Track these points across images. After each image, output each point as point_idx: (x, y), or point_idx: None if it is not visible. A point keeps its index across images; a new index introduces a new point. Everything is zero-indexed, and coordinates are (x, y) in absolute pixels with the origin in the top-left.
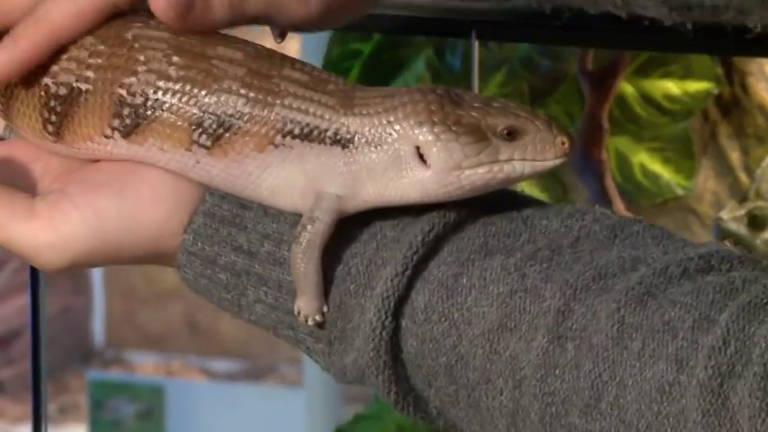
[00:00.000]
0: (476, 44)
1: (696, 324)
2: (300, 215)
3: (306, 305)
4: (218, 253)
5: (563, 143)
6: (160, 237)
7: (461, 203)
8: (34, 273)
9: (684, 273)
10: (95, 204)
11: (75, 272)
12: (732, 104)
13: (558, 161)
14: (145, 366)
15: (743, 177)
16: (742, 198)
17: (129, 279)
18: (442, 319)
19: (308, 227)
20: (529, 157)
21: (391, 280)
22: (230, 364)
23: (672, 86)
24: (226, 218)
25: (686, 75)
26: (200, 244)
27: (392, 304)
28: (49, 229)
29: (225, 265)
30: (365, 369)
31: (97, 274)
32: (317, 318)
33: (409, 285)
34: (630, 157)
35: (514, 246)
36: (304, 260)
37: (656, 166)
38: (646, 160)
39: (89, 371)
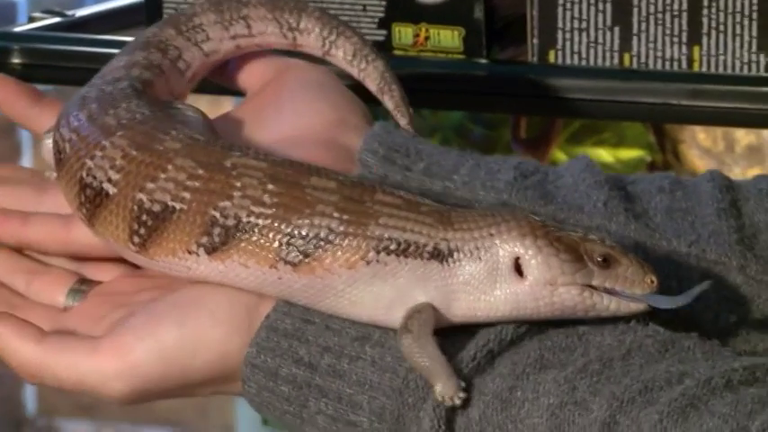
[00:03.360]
0: None
1: None
2: (372, 328)
3: (444, 388)
4: (280, 365)
5: (651, 281)
6: (224, 357)
7: (521, 323)
8: None
9: (728, 384)
10: (157, 334)
11: (147, 400)
12: (664, 171)
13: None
14: None
15: None
16: None
17: None
18: (497, 431)
19: (416, 315)
20: (618, 288)
21: None
22: None
23: (605, 154)
24: (288, 331)
25: (619, 142)
26: (262, 356)
27: (443, 412)
28: (114, 360)
29: (286, 377)
30: None
31: None
32: (461, 395)
33: (465, 398)
34: None
35: (568, 360)
36: (420, 346)
37: None
38: None
39: None
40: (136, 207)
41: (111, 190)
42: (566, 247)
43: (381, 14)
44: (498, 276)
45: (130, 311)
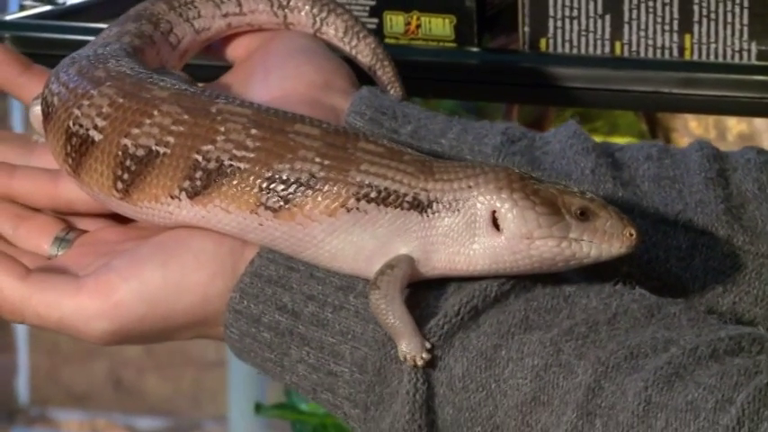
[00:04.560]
0: None
1: (718, 405)
2: (356, 278)
3: (408, 347)
4: (263, 312)
5: (631, 234)
6: (206, 299)
7: (506, 280)
8: None
9: (713, 354)
10: (141, 275)
11: (127, 343)
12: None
13: (623, 251)
14: (69, 424)
15: None
16: None
17: (53, 336)
18: (480, 389)
19: (387, 271)
20: (597, 241)
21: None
22: (155, 422)
23: None
24: (272, 278)
25: (611, 131)
26: (245, 302)
27: (422, 366)
28: (97, 299)
29: (269, 324)
30: None
31: (21, 331)
32: (425, 355)
33: (449, 353)
34: None
35: (554, 321)
36: (387, 303)
37: None
38: None
39: (13, 429)
40: (120, 152)
41: (97, 137)
42: (542, 200)
43: (373, 2)
44: (476, 229)
45: (114, 257)
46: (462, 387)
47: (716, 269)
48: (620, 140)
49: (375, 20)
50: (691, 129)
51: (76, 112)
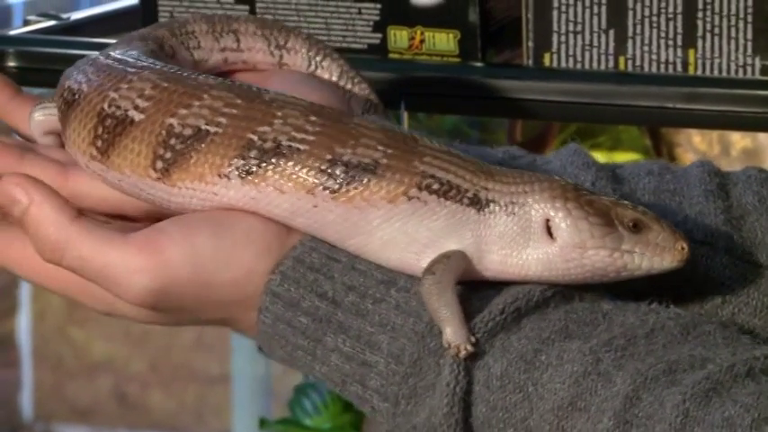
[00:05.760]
0: (405, 115)
1: (754, 423)
2: (398, 274)
3: (454, 335)
4: (302, 297)
5: (682, 248)
6: (250, 277)
7: (548, 287)
8: None
9: (749, 372)
10: (193, 240)
11: (159, 310)
12: None
13: (675, 264)
14: None
15: None
16: None
17: (57, 351)
18: (517, 390)
19: (443, 260)
20: (648, 254)
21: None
22: None
23: (600, 158)
24: (314, 265)
25: (615, 146)
26: (285, 285)
27: (464, 362)
28: (143, 254)
29: (307, 310)
30: (437, 427)
31: (26, 346)
32: (469, 347)
33: (489, 352)
34: None
35: (592, 333)
36: (440, 290)
37: None
38: None
39: None
40: (164, 132)
41: (138, 117)
42: (596, 210)
43: (377, 18)
44: (531, 235)
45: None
46: (499, 386)
47: (715, 280)
48: (623, 156)
49: (379, 35)
50: (694, 144)
51: (113, 94)
